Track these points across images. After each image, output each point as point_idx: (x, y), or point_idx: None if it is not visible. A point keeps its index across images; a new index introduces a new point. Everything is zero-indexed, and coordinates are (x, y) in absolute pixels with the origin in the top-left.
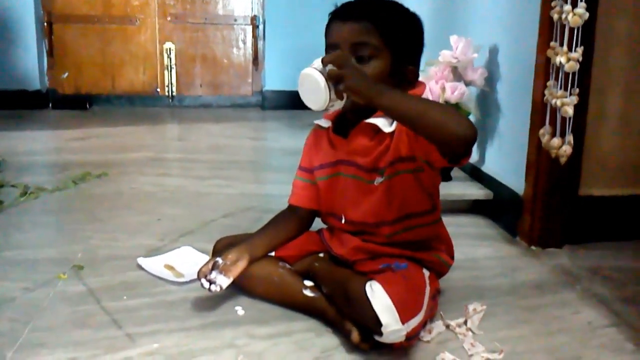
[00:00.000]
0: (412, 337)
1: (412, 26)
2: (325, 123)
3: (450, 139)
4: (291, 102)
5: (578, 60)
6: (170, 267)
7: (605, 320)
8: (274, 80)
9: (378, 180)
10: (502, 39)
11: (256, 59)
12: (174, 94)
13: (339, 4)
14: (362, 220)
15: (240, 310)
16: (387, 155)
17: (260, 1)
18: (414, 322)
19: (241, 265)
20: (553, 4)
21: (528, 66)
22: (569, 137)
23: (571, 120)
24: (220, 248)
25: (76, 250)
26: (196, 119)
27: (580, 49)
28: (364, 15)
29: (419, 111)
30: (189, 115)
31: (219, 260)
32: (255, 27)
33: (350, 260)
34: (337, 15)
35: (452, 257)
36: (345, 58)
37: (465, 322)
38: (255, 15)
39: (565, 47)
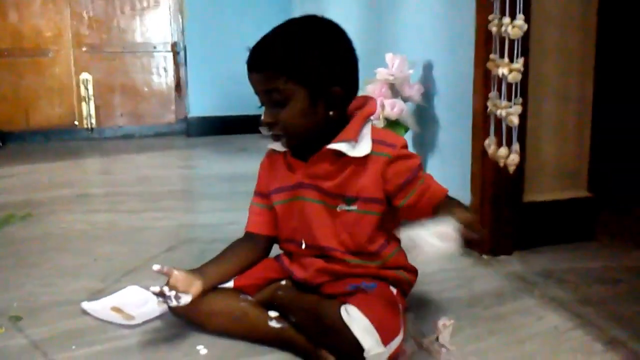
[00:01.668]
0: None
1: (321, 50)
2: (280, 147)
3: None
4: (217, 127)
5: (519, 71)
6: (117, 310)
7: (570, 323)
8: (198, 107)
9: (342, 207)
10: (437, 54)
11: (178, 86)
12: (94, 126)
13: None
14: (323, 245)
15: (202, 349)
16: (353, 183)
17: (179, 28)
18: (395, 343)
19: (196, 287)
20: (490, 17)
21: (465, 79)
22: (516, 146)
23: (516, 130)
24: None
25: (10, 299)
26: (119, 150)
27: (521, 60)
28: (263, 64)
29: None
30: (111, 148)
31: (166, 288)
32: (176, 54)
33: (315, 283)
34: (248, 65)
35: (415, 274)
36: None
37: (437, 339)
38: (175, 42)
39: (506, 59)
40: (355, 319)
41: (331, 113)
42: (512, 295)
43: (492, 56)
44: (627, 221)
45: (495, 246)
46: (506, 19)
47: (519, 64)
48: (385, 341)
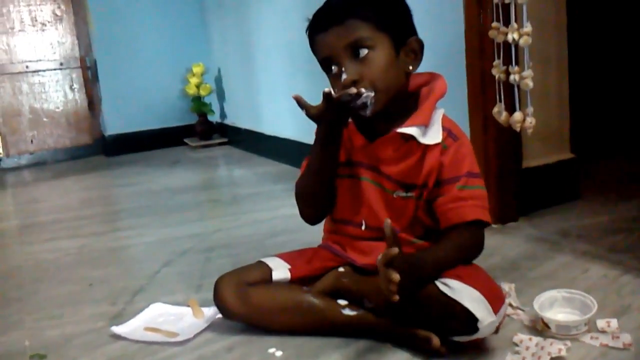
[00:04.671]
0: (499, 327)
1: None
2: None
3: None
4: (137, 144)
5: (529, 34)
6: (154, 330)
7: (615, 271)
8: (115, 124)
9: (398, 193)
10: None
11: (92, 103)
12: (1, 155)
13: (310, 18)
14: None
15: (276, 352)
16: (417, 171)
17: (86, 41)
18: (503, 309)
19: None
20: None
21: (453, 52)
22: (531, 109)
23: (528, 94)
24: (229, 289)
25: (19, 339)
26: (38, 178)
27: (528, 23)
28: (347, 12)
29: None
30: (27, 176)
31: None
32: (86, 69)
33: None
34: (316, 28)
35: None
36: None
37: (511, 304)
38: (83, 56)
39: (514, 24)
40: (461, 291)
41: (410, 68)
42: (545, 255)
43: (494, 24)
44: (605, 177)
45: (503, 214)
46: None
47: (528, 27)
48: (495, 309)
